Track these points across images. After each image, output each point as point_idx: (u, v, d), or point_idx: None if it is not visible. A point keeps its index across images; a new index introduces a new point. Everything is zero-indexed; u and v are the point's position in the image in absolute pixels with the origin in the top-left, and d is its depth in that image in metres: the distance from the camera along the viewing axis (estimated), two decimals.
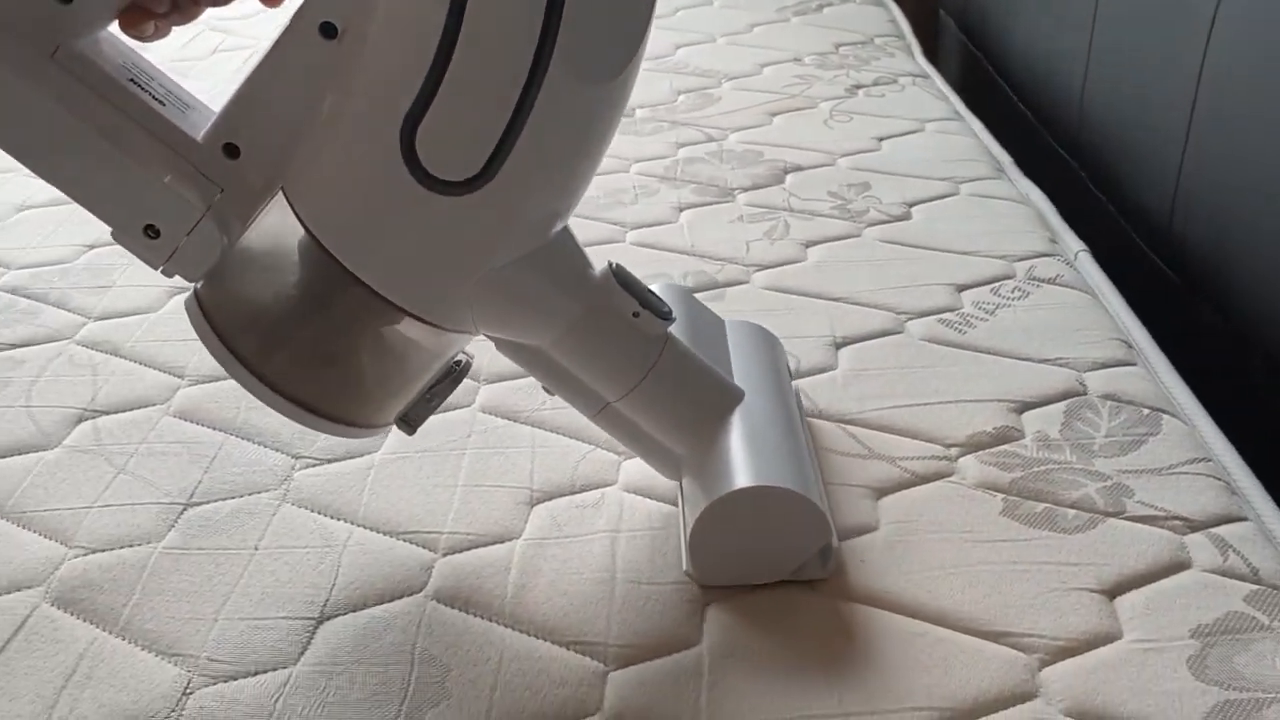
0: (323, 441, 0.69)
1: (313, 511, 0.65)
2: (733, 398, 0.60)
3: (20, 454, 0.70)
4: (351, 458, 0.68)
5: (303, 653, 0.56)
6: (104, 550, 0.62)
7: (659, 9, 1.42)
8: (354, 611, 0.58)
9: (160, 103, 0.52)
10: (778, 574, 0.58)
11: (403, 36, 0.47)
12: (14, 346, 0.81)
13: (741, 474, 0.55)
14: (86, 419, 0.73)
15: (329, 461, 0.68)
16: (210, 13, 0.53)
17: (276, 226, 0.51)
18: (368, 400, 0.55)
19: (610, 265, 0.56)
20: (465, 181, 0.48)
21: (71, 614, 0.58)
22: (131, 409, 0.74)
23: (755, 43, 1.45)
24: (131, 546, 0.62)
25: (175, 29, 0.53)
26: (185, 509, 0.65)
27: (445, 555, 0.62)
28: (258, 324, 0.53)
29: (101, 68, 0.51)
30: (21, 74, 0.48)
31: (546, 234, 0.52)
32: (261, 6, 0.54)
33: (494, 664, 0.55)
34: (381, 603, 0.59)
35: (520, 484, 0.66)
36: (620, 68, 0.50)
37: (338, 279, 0.51)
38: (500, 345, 0.57)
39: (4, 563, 0.61)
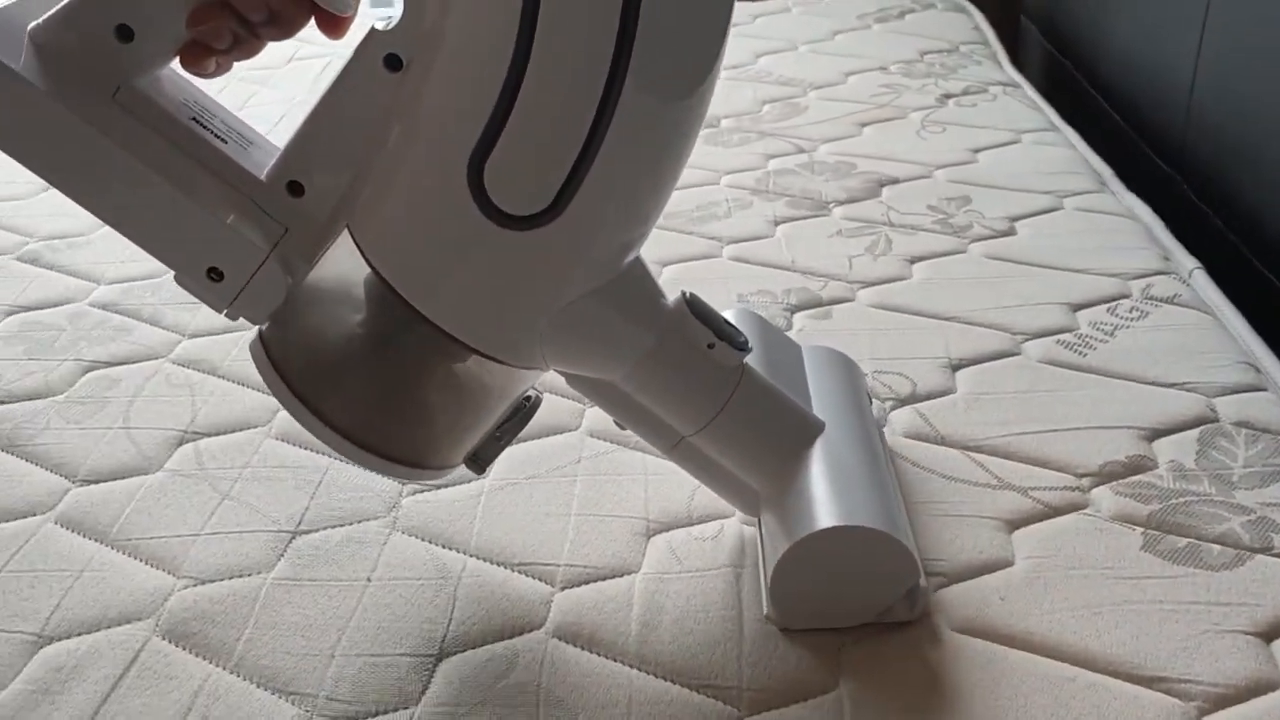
0: None
1: (424, 540, 0.63)
2: (813, 430, 0.57)
3: (122, 478, 0.68)
4: (461, 483, 0.66)
5: (424, 691, 0.54)
6: (213, 581, 0.60)
7: (737, 16, 1.40)
8: (473, 648, 0.56)
9: (222, 140, 0.50)
10: (863, 616, 0.55)
11: (469, 67, 0.45)
12: (109, 365, 0.80)
13: (825, 513, 0.53)
14: (188, 441, 0.71)
15: (438, 488, 0.66)
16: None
17: (341, 265, 0.49)
18: (436, 441, 0.54)
19: (684, 295, 0.53)
20: (536, 215, 0.46)
21: (183, 648, 0.57)
22: (232, 431, 0.72)
23: (838, 50, 1.42)
24: (241, 577, 0.61)
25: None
26: (294, 537, 0.63)
27: (563, 589, 0.60)
28: (323, 366, 0.52)
29: (163, 107, 0.49)
30: (83, 116, 0.46)
31: (619, 265, 0.50)
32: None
33: (623, 708, 0.53)
34: (501, 639, 0.57)
35: (635, 514, 0.64)
36: (698, 82, 0.47)
37: (405, 318, 0.49)
38: (571, 380, 0.55)
39: (113, 592, 0.60)
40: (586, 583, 0.60)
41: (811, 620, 0.55)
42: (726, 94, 1.29)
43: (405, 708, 0.53)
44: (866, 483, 0.55)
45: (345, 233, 0.49)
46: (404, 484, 0.64)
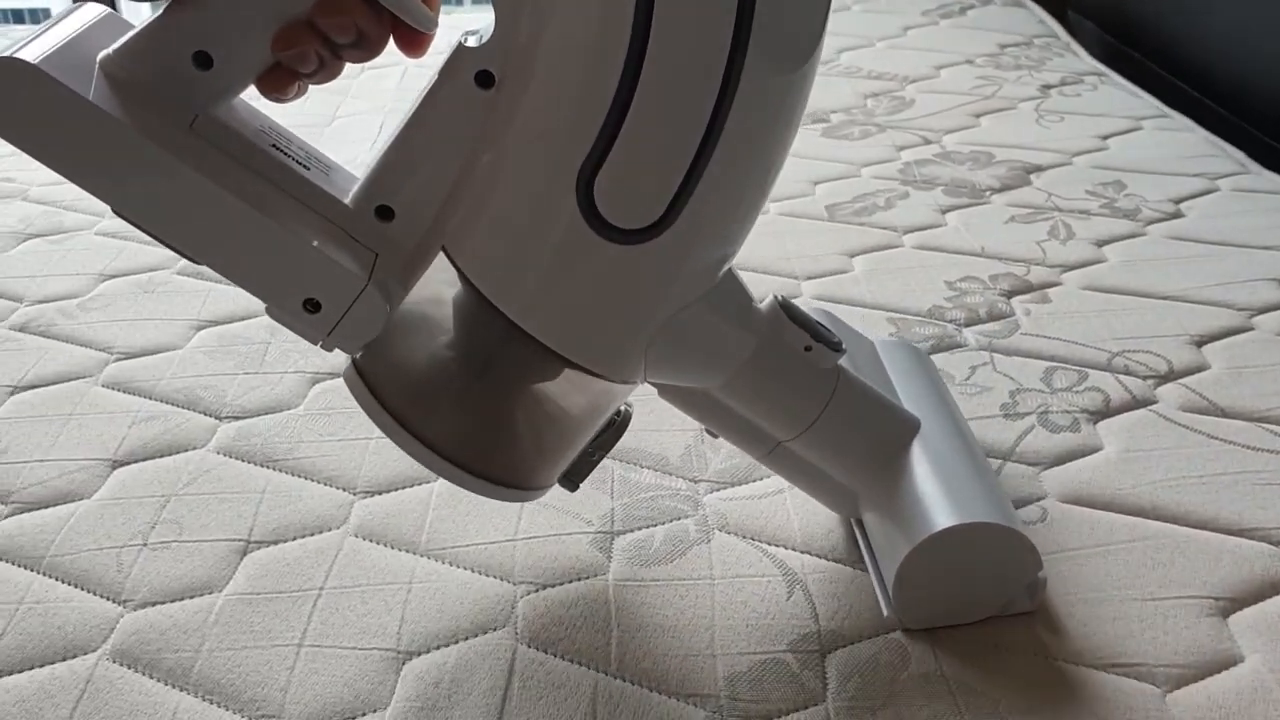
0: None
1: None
2: (910, 427, 0.57)
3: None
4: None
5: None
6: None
7: None
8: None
9: (305, 167, 0.49)
10: (986, 611, 0.55)
11: (574, 79, 0.43)
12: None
13: (943, 513, 0.52)
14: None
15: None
16: None
17: (435, 286, 0.48)
18: (533, 461, 0.53)
19: (777, 299, 0.52)
20: (648, 228, 0.45)
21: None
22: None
23: (914, 45, 1.43)
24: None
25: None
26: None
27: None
28: (423, 391, 0.50)
29: (242, 134, 0.47)
30: (163, 148, 0.44)
31: (719, 274, 0.49)
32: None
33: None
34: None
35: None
36: (814, 44, 0.45)
37: (505, 337, 0.47)
38: (664, 391, 0.55)
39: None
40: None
41: (934, 619, 0.54)
42: (826, 89, 1.29)
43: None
44: (974, 478, 0.55)
45: (440, 255, 0.47)
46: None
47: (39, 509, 0.65)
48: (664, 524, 0.63)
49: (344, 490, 0.66)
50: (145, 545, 0.61)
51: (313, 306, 0.47)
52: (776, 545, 0.61)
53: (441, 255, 0.47)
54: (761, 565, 0.60)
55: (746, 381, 0.53)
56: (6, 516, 0.64)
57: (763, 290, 0.85)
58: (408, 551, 0.61)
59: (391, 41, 0.47)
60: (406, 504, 0.64)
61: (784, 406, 0.54)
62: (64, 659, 0.55)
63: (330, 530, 0.63)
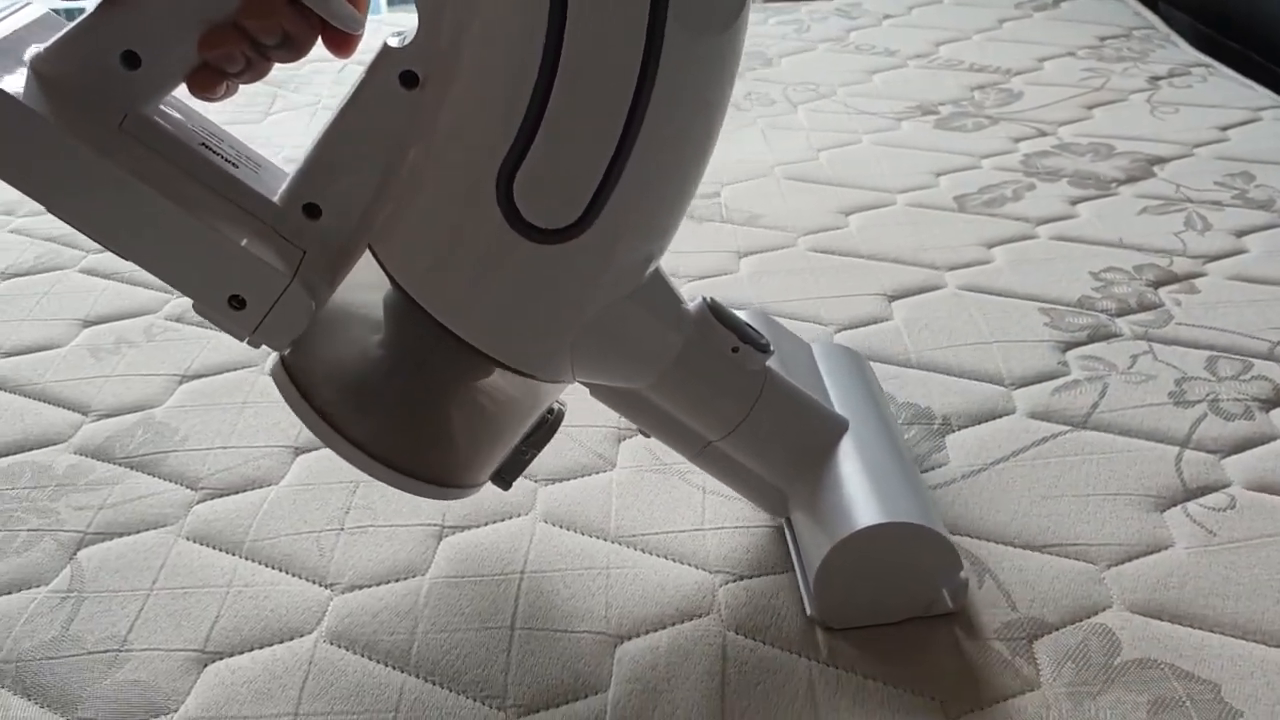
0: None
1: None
2: (838, 428, 0.57)
3: None
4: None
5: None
6: None
7: (894, 7, 1.41)
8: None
9: (233, 165, 0.48)
10: (907, 611, 0.55)
11: (494, 81, 0.44)
12: None
13: (865, 512, 0.52)
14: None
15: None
16: None
17: (363, 285, 0.48)
18: (465, 459, 0.53)
19: (705, 300, 0.52)
20: (569, 227, 0.45)
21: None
22: None
23: (1010, 38, 1.43)
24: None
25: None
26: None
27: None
28: (349, 388, 0.50)
29: (171, 133, 0.47)
30: (90, 147, 0.44)
31: (644, 274, 0.49)
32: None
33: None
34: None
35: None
36: (729, 21, 0.44)
37: (432, 336, 0.48)
38: (595, 391, 0.55)
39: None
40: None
41: (856, 618, 0.55)
42: (930, 81, 1.30)
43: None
44: (899, 478, 0.55)
45: (368, 253, 0.47)
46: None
47: (229, 495, 0.66)
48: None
49: (526, 478, 0.66)
50: (342, 530, 0.62)
51: (238, 303, 0.47)
52: (958, 534, 0.61)
53: (369, 253, 0.47)
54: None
55: (674, 382, 0.53)
56: (199, 502, 0.65)
57: (906, 282, 0.86)
58: (598, 538, 0.62)
59: (320, 42, 0.47)
60: (590, 491, 0.65)
61: (711, 407, 0.55)
62: (282, 641, 0.56)
63: (520, 516, 0.63)
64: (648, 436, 0.58)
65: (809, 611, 0.55)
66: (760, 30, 1.52)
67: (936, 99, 1.24)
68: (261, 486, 0.66)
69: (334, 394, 0.50)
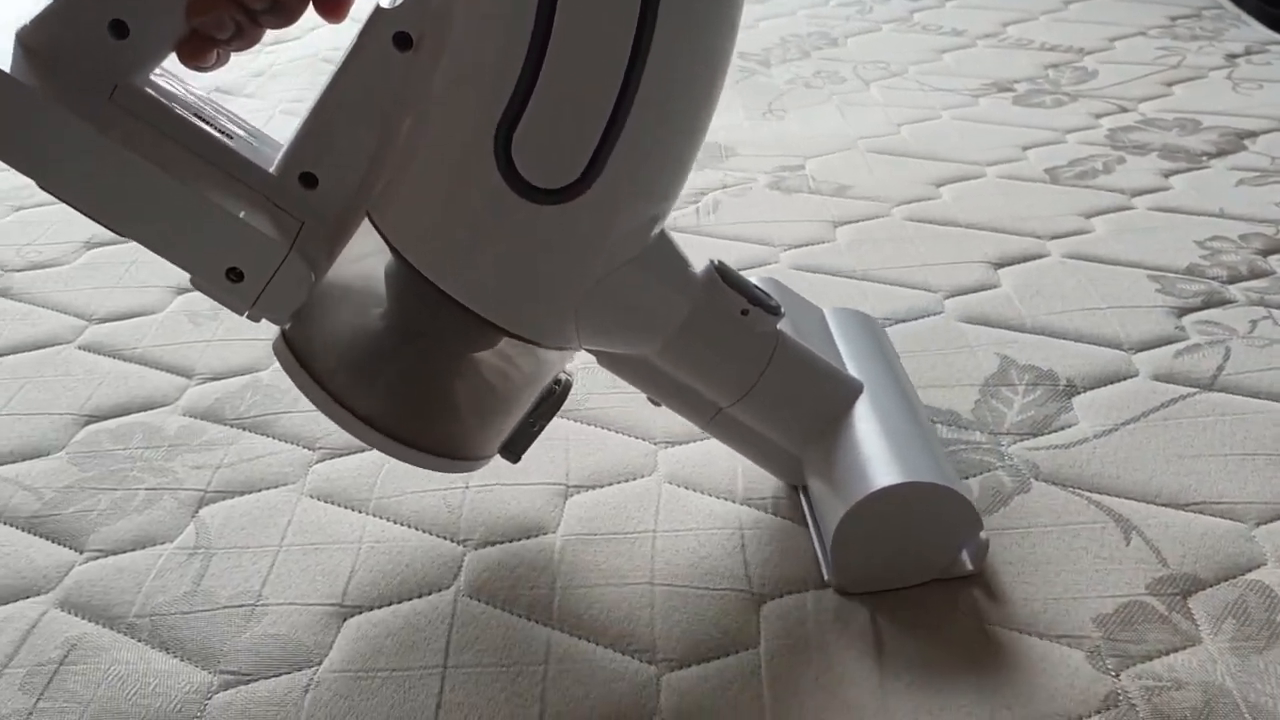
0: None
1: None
2: (852, 390, 0.56)
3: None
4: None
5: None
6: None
7: None
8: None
9: (227, 136, 0.47)
10: (926, 574, 0.53)
11: (488, 38, 0.42)
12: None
13: (881, 472, 0.51)
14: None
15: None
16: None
17: (364, 254, 0.47)
18: (471, 431, 0.52)
19: (712, 263, 0.51)
20: (570, 186, 0.44)
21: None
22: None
23: (1077, 18, 1.42)
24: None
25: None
26: None
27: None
28: (352, 360, 0.49)
29: (163, 104, 0.46)
30: (81, 119, 0.42)
31: (649, 236, 0.48)
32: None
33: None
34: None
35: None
36: None
37: (433, 304, 0.46)
38: (602, 359, 0.53)
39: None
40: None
41: (874, 582, 0.53)
42: (1002, 59, 1.28)
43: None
44: (915, 438, 0.54)
45: (366, 221, 0.46)
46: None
47: (347, 455, 0.65)
48: (976, 476, 0.62)
49: (644, 440, 0.65)
50: (467, 488, 0.61)
51: (235, 276, 0.46)
52: (1098, 492, 0.60)
53: (368, 222, 0.46)
54: (1090, 513, 0.59)
55: (683, 347, 0.51)
56: (317, 462, 0.64)
57: (1009, 250, 0.85)
58: (726, 499, 0.61)
59: (311, 7, 0.46)
60: (712, 455, 0.64)
61: (722, 371, 0.53)
62: (421, 595, 0.55)
63: (644, 477, 0.62)
64: (657, 405, 0.57)
65: (826, 577, 0.54)
66: (823, 11, 1.51)
67: (1011, 77, 1.23)
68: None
69: (337, 367, 0.48)
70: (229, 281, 0.46)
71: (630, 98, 0.43)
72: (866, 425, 0.54)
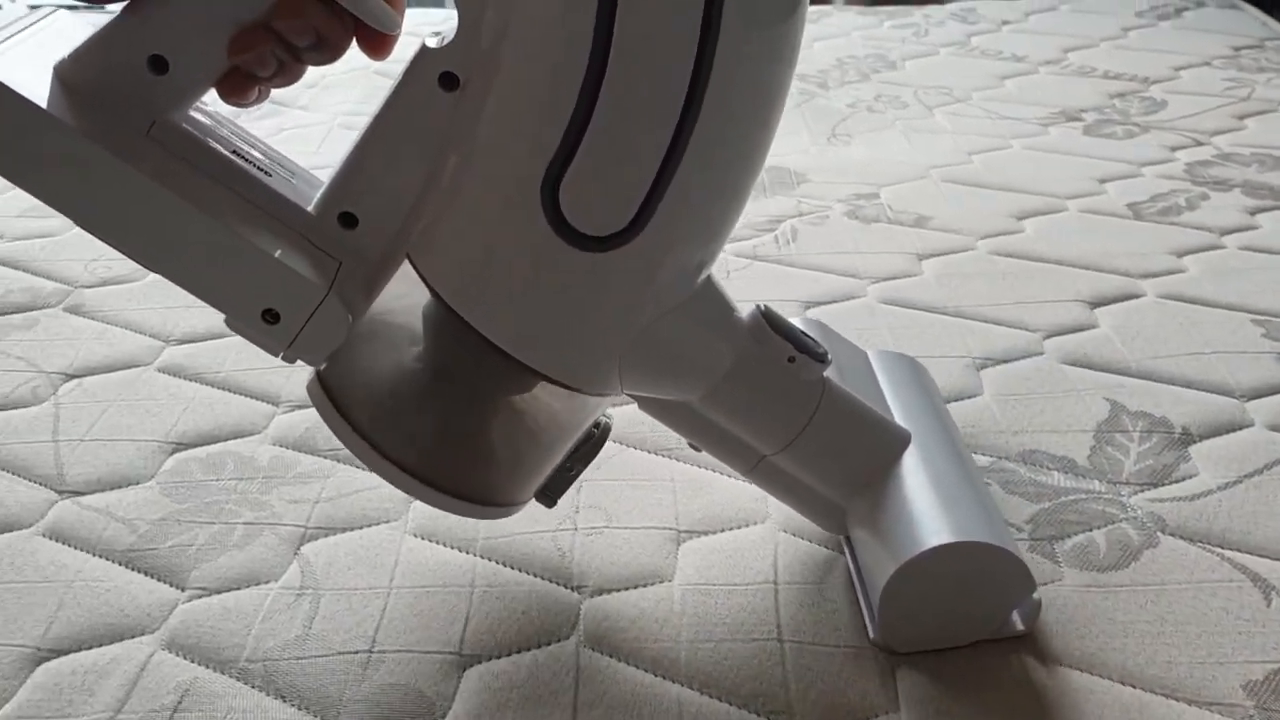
0: None
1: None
2: (901, 441, 0.54)
3: None
4: None
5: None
6: None
7: (1011, 13, 1.37)
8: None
9: (266, 174, 0.46)
10: (975, 634, 0.52)
11: (539, 81, 0.41)
12: None
13: (932, 530, 0.49)
14: None
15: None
16: None
17: (403, 296, 0.46)
18: (508, 477, 0.50)
19: (759, 308, 0.49)
20: (618, 234, 0.43)
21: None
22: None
23: (1138, 46, 1.40)
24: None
25: None
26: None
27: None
28: (388, 404, 0.48)
29: (201, 140, 0.45)
30: (116, 155, 0.41)
31: (695, 282, 0.47)
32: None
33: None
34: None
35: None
36: (789, 13, 0.42)
37: (472, 349, 0.45)
38: (643, 403, 0.52)
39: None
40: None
41: (921, 642, 0.51)
42: (1065, 87, 1.27)
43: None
44: (966, 494, 0.52)
45: (406, 263, 0.45)
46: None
47: None
48: (1101, 528, 0.60)
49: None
50: (576, 530, 0.60)
51: (272, 317, 0.44)
52: (1230, 548, 0.58)
53: (408, 264, 0.45)
54: (1224, 570, 0.57)
55: (728, 394, 0.50)
56: None
57: (1103, 289, 0.83)
58: (842, 552, 0.59)
59: (355, 44, 0.45)
60: None
61: (767, 420, 0.52)
62: (540, 645, 0.53)
63: (757, 524, 0.61)
64: (698, 450, 0.55)
65: (871, 635, 0.52)
66: (877, 33, 1.49)
67: (1077, 106, 1.22)
68: None
69: (372, 410, 0.47)
70: (265, 323, 0.44)
71: (683, 145, 0.41)
72: (915, 478, 0.52)
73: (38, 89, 0.42)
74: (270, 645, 0.52)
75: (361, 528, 0.60)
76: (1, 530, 0.60)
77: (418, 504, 0.61)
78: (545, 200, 0.42)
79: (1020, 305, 0.81)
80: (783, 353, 0.50)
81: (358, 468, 0.64)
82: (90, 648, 0.53)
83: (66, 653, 0.52)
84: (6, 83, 0.40)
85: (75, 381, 0.73)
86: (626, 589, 0.56)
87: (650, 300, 0.46)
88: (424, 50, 0.43)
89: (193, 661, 0.52)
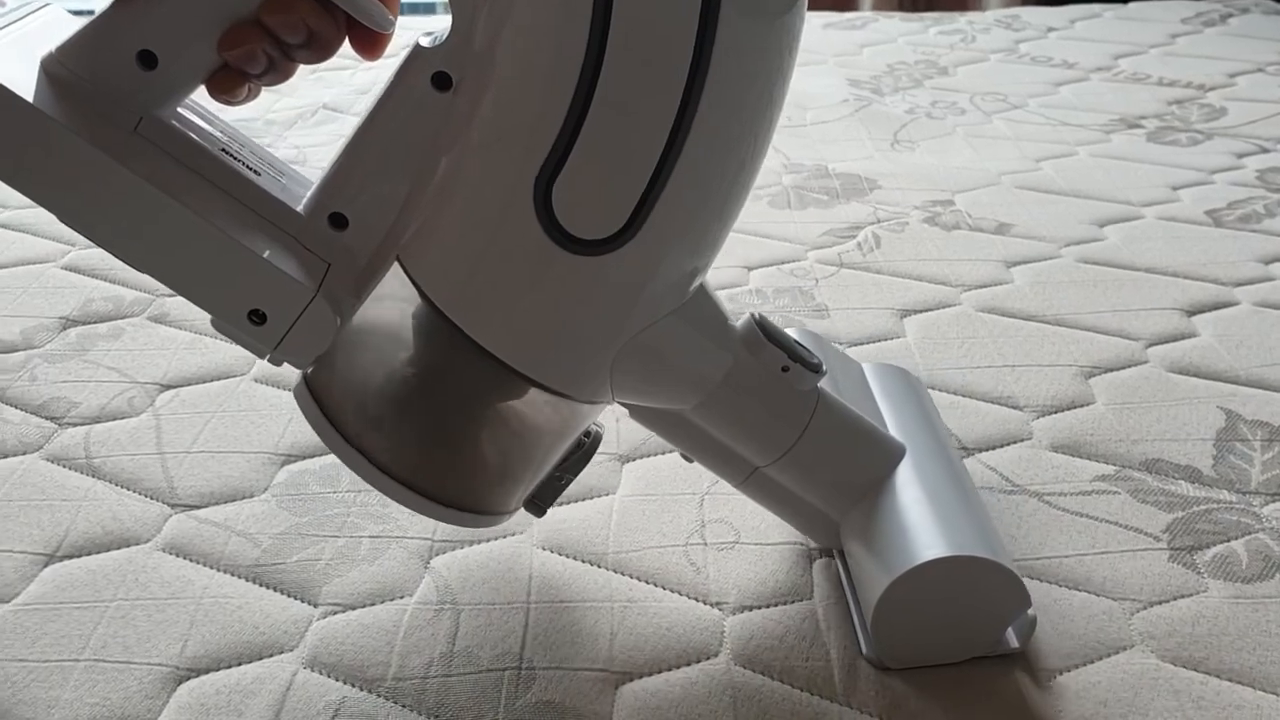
0: None
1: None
2: (895, 454, 0.53)
3: None
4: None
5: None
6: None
7: (1056, 20, 1.37)
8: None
9: (255, 172, 0.45)
10: (970, 651, 0.51)
11: (533, 80, 0.40)
12: None
13: (927, 544, 0.48)
14: None
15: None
16: None
17: (392, 299, 0.45)
18: (496, 485, 0.49)
19: (753, 317, 0.49)
20: (611, 237, 0.42)
21: None
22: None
23: (1189, 53, 1.40)
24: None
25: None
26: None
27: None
28: (375, 408, 0.47)
29: (189, 138, 0.44)
30: (103, 151, 0.41)
31: (689, 289, 0.46)
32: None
33: None
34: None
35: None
36: (787, 6, 0.41)
37: (463, 353, 0.44)
38: (635, 412, 0.51)
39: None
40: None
41: (915, 658, 0.50)
42: (1120, 93, 1.27)
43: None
44: (961, 508, 0.51)
45: (396, 265, 0.44)
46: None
47: (572, 504, 0.62)
48: (1239, 539, 0.59)
49: None
50: (706, 544, 0.59)
51: (258, 318, 0.44)
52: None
53: (397, 266, 0.44)
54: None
55: (721, 404, 0.49)
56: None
57: (1199, 297, 0.82)
58: None
59: (347, 43, 0.44)
60: None
61: (760, 430, 0.51)
62: (691, 662, 0.52)
63: None
64: (690, 461, 0.54)
65: (864, 651, 0.51)
66: (924, 39, 1.49)
67: (1136, 113, 1.21)
68: (599, 496, 0.62)
69: (357, 414, 0.46)
70: (251, 324, 0.44)
71: (678, 147, 0.41)
72: (910, 491, 0.52)
73: (24, 82, 0.41)
74: (416, 662, 0.51)
75: (488, 540, 0.59)
76: (119, 545, 0.59)
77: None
78: (538, 202, 0.41)
79: (1117, 313, 0.80)
80: (776, 362, 0.49)
81: None
82: (230, 666, 0.51)
83: (206, 671, 0.51)
84: None
85: (172, 392, 0.72)
86: (769, 606, 0.55)
87: (643, 306, 0.45)
88: (417, 50, 0.42)
89: (339, 680, 0.51)
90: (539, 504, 0.52)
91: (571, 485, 0.55)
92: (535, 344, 0.45)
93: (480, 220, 0.43)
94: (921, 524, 0.50)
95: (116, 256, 0.43)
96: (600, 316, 0.45)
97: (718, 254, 0.47)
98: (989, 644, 0.51)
